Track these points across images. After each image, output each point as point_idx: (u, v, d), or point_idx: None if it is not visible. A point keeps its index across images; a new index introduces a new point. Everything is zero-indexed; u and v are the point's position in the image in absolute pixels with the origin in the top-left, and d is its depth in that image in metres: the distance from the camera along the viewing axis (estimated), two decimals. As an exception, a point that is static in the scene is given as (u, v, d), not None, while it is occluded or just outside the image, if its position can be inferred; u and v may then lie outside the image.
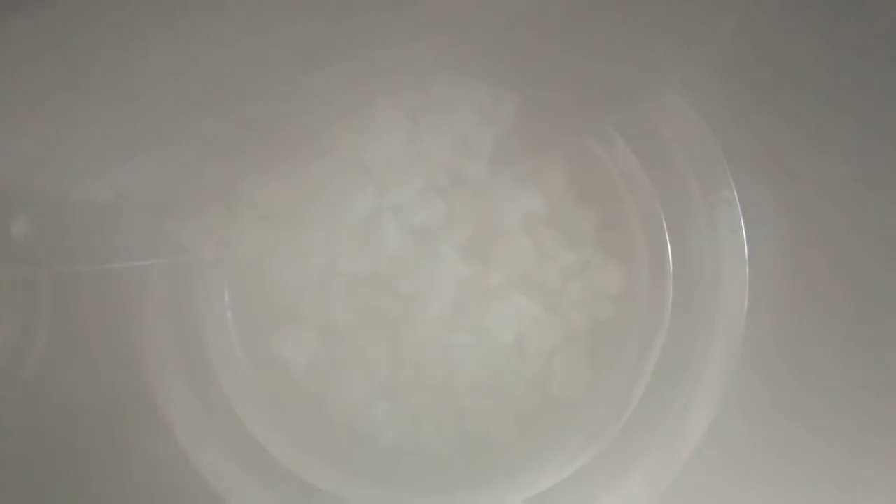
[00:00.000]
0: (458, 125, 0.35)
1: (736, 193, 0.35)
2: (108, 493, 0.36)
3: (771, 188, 0.37)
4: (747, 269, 0.35)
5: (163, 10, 0.27)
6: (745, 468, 0.35)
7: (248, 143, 0.32)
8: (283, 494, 0.35)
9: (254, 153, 0.33)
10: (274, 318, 0.37)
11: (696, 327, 0.35)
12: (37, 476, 0.36)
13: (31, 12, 0.25)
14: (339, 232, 0.36)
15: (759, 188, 0.36)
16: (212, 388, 0.35)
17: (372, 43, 0.31)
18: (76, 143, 0.29)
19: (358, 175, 0.36)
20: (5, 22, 0.26)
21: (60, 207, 0.30)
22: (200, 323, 0.35)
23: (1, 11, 0.26)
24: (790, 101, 0.37)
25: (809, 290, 0.37)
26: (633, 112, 0.34)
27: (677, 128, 0.36)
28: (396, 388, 0.37)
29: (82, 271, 0.33)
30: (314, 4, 0.29)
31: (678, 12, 0.30)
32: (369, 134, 0.35)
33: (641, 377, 0.35)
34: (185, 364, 0.35)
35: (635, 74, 0.32)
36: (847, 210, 0.37)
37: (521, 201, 0.38)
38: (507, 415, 0.37)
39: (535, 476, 0.35)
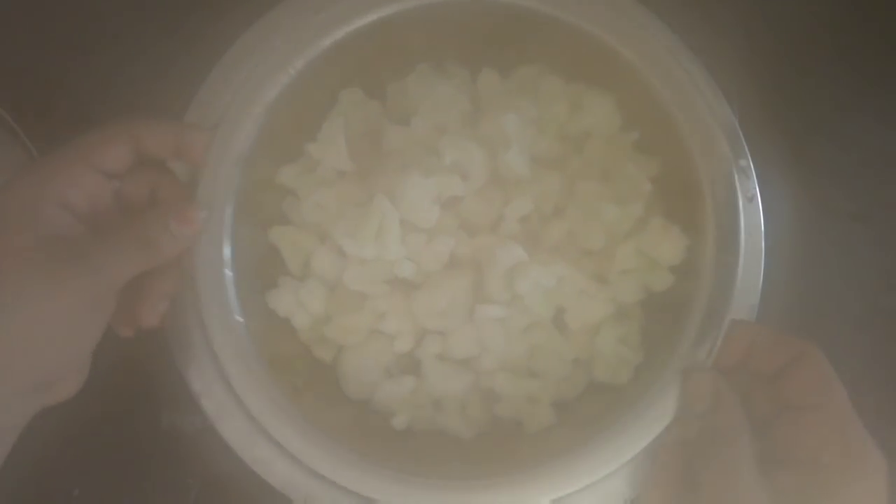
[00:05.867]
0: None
1: (751, 162, 0.32)
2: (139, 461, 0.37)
3: (786, 155, 0.37)
4: (763, 237, 0.31)
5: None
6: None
7: None
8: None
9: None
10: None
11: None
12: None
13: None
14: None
15: (774, 156, 0.35)
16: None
17: None
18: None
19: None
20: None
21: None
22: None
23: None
24: (806, 74, 0.39)
25: (827, 258, 0.37)
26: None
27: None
28: (417, 362, 0.34)
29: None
30: None
31: None
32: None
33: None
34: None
35: None
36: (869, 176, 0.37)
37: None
38: (542, 400, 0.33)
39: (571, 472, 0.29)
